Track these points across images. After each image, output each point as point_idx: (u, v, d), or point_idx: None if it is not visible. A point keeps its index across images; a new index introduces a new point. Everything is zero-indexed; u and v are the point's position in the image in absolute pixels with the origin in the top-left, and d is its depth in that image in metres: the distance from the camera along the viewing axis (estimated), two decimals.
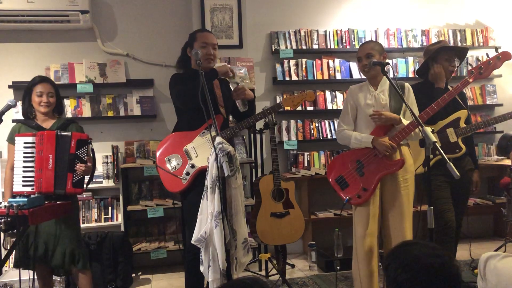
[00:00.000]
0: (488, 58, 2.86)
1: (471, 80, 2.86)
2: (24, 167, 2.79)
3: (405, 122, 2.84)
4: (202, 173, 2.73)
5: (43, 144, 2.77)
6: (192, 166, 2.81)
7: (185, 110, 2.89)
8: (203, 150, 2.82)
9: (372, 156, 2.88)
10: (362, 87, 3.03)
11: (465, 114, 3.17)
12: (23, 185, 2.78)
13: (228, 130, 2.85)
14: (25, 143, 2.80)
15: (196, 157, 2.83)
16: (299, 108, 4.58)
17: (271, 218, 3.59)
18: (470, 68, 4.75)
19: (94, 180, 4.13)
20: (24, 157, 2.80)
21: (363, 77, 4.73)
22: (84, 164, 2.82)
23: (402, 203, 2.85)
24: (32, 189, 2.76)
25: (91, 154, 2.91)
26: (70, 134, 2.82)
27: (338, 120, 3.12)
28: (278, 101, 4.56)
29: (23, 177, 2.79)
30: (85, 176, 2.86)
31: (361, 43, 3.07)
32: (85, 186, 2.89)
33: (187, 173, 2.80)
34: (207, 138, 2.83)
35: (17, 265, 2.88)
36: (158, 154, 2.90)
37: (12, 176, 2.88)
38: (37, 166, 2.76)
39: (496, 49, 4.89)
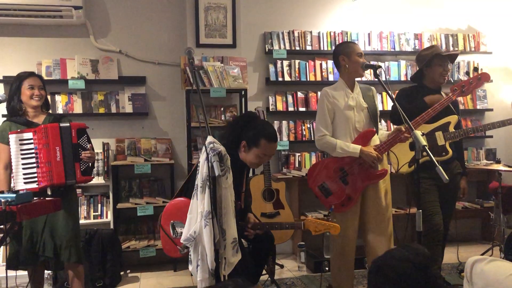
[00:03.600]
0: (469, 78, 3.05)
1: (454, 97, 3.02)
2: (23, 164, 2.78)
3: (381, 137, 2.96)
4: None
5: (49, 137, 2.77)
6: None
7: None
8: None
9: (356, 165, 2.90)
10: (336, 88, 3.02)
11: (455, 119, 3.20)
12: (25, 182, 2.76)
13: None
14: (20, 140, 2.78)
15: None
16: (291, 108, 4.60)
17: (261, 218, 3.59)
18: (460, 78, 4.80)
19: None
20: (22, 154, 2.78)
21: (357, 78, 4.75)
22: (87, 151, 2.87)
23: (384, 207, 2.95)
24: (36, 185, 2.75)
25: (91, 142, 2.95)
26: (69, 124, 2.86)
27: (315, 124, 3.08)
28: (270, 101, 4.57)
29: (24, 174, 2.77)
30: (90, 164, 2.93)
31: (346, 41, 3.10)
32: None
33: (186, 246, 2.58)
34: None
35: (15, 266, 2.82)
36: (164, 212, 2.75)
37: (6, 175, 2.87)
38: (45, 159, 2.76)
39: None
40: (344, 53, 2.99)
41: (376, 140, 2.98)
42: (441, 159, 3.11)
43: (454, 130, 3.19)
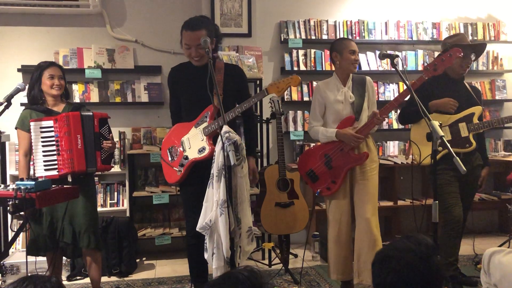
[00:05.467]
0: (441, 56, 2.89)
1: (426, 77, 2.89)
2: (44, 151, 2.82)
3: (362, 123, 3.01)
4: (195, 165, 2.75)
5: (71, 125, 2.81)
6: (186, 158, 2.78)
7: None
8: (194, 142, 2.79)
9: (338, 150, 3.04)
10: (328, 84, 3.14)
11: (479, 110, 3.15)
12: (46, 170, 2.80)
13: (213, 124, 2.73)
14: (41, 127, 2.83)
15: (189, 148, 2.80)
16: (306, 98, 4.58)
17: (275, 207, 3.60)
18: (478, 68, 4.71)
19: None
20: (43, 141, 2.83)
21: (372, 69, 4.73)
22: (108, 141, 2.91)
23: (365, 190, 3.02)
24: (57, 172, 2.80)
25: (111, 132, 2.99)
26: (92, 113, 2.90)
27: (308, 117, 3.27)
28: (285, 91, 4.54)
29: (44, 161, 2.82)
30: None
31: (346, 38, 3.05)
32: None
33: (181, 165, 2.79)
34: (200, 129, 2.77)
35: (34, 253, 2.88)
36: (162, 144, 2.96)
37: (26, 162, 2.93)
38: (67, 147, 2.80)
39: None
40: (336, 50, 3.08)
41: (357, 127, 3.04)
42: (465, 150, 3.07)
43: (478, 122, 3.13)
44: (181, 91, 2.92)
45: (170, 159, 2.85)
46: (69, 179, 2.82)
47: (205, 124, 2.75)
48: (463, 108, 3.14)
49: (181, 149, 2.82)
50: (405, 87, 4.62)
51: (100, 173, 3.73)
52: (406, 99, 3.16)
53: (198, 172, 2.75)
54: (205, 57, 2.77)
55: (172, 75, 2.99)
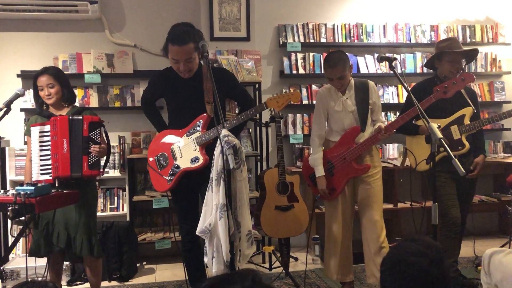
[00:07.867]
0: (453, 79, 2.92)
1: (434, 99, 2.90)
2: (41, 155, 2.84)
3: (368, 132, 3.06)
4: (186, 175, 2.74)
5: (57, 129, 2.81)
6: (177, 167, 2.76)
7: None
8: (187, 151, 2.76)
9: (342, 159, 3.08)
10: (330, 90, 3.14)
11: (469, 111, 3.15)
12: (41, 174, 2.81)
13: (207, 134, 2.72)
14: (40, 132, 2.84)
15: (180, 157, 2.77)
16: (305, 101, 4.59)
17: (275, 211, 3.60)
18: (476, 71, 4.71)
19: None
20: (40, 146, 2.84)
21: (371, 71, 4.74)
22: (96, 145, 2.85)
23: (370, 194, 3.05)
24: (50, 176, 2.80)
25: (104, 136, 2.95)
26: (81, 117, 2.87)
27: (312, 121, 3.28)
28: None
29: (41, 165, 2.83)
30: (101, 158, 2.91)
31: (328, 63, 3.00)
32: (101, 168, 2.93)
33: (172, 174, 2.76)
34: (192, 139, 2.75)
35: (36, 254, 2.89)
36: (149, 151, 2.91)
37: (31, 167, 2.92)
38: (53, 151, 2.80)
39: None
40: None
41: (363, 136, 3.05)
42: (458, 153, 3.07)
43: (469, 123, 3.13)
44: (169, 96, 2.88)
45: (158, 167, 2.82)
46: (56, 184, 2.77)
47: (198, 134, 2.73)
48: (454, 110, 3.14)
49: (171, 157, 2.79)
50: (408, 90, 4.64)
51: (98, 178, 3.69)
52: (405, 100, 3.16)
53: (189, 179, 2.76)
54: (193, 70, 2.76)
55: (160, 78, 2.93)
